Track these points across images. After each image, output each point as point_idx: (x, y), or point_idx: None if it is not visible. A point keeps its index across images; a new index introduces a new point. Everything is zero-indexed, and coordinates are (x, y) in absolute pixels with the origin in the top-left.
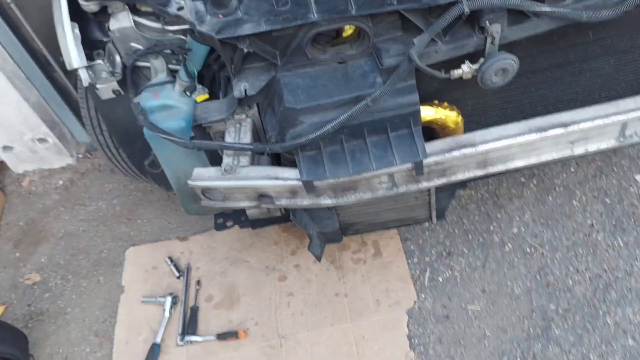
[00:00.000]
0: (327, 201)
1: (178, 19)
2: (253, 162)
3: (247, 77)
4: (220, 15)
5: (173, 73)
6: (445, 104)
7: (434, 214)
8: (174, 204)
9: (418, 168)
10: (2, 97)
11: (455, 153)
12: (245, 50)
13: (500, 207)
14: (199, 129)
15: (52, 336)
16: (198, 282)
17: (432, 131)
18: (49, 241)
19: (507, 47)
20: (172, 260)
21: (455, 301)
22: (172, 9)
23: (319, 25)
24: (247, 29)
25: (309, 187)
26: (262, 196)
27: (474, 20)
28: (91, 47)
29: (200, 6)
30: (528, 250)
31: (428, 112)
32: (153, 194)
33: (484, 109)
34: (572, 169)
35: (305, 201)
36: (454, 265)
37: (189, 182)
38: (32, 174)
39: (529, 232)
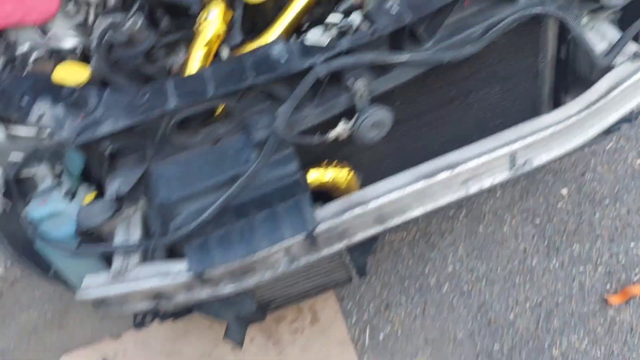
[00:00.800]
0: (227, 289)
1: (40, 127)
2: (146, 258)
3: (121, 172)
4: (81, 116)
5: (59, 176)
6: (335, 162)
7: (354, 272)
8: None
9: (311, 238)
10: None
11: (347, 215)
12: (108, 151)
13: (433, 246)
14: (87, 234)
15: None
16: None
17: (327, 193)
18: None
19: (383, 97)
20: None
21: (398, 358)
22: (33, 119)
23: (179, 112)
24: (106, 127)
25: (201, 279)
26: (158, 296)
27: (338, 79)
28: None
29: (60, 111)
30: (466, 288)
31: (314, 176)
32: None
33: (380, 159)
34: (498, 194)
35: (203, 293)
36: (394, 317)
37: (77, 297)
38: None
39: (465, 267)
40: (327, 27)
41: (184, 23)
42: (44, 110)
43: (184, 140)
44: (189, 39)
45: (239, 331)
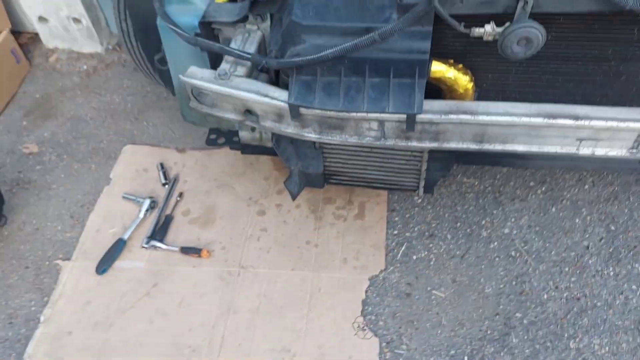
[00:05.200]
0: (311, 135)
1: None
2: (250, 75)
3: None
4: None
5: None
6: (460, 66)
7: (422, 184)
8: None
9: (410, 121)
10: None
11: (453, 117)
12: None
13: (499, 205)
14: (207, 28)
15: (31, 206)
16: (180, 195)
17: (440, 92)
18: (57, 119)
19: (542, 19)
20: (162, 167)
21: (421, 282)
22: None
23: None
24: None
25: (295, 113)
26: (248, 112)
27: None
28: None
29: None
30: (513, 254)
31: (438, 68)
32: (167, 101)
33: (504, 87)
34: (587, 187)
35: (289, 129)
36: (433, 247)
37: (180, 76)
38: (61, 52)
39: (520, 236)
40: None
41: None
42: None
43: None
44: None
45: (297, 184)
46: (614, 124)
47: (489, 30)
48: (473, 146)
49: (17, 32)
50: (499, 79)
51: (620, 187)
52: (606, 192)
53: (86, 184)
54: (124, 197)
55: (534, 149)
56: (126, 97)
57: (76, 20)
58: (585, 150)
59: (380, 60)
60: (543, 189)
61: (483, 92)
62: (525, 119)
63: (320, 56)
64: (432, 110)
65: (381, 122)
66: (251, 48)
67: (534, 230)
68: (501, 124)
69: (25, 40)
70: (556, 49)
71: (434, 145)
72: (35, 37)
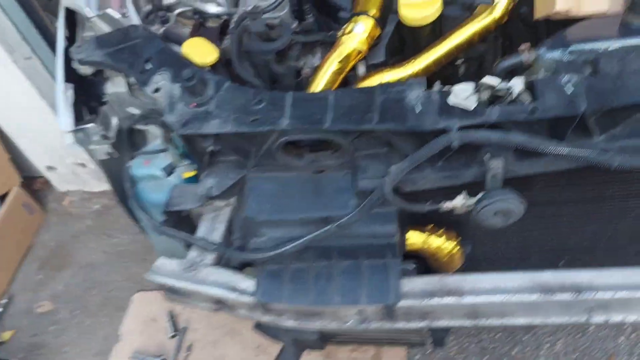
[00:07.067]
0: (289, 322)
1: (153, 101)
2: (221, 260)
3: (217, 171)
4: (192, 105)
5: (170, 141)
6: (441, 231)
7: (429, 341)
8: None
9: (389, 311)
10: (46, 123)
11: (436, 301)
12: (209, 149)
13: (529, 329)
14: (173, 215)
15: None
16: (189, 347)
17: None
18: (71, 268)
19: (521, 179)
20: (172, 317)
21: None
22: (150, 89)
23: (290, 133)
24: (213, 126)
25: (265, 307)
26: (220, 303)
27: (471, 149)
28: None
29: (176, 91)
30: None
31: (414, 240)
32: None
33: (499, 237)
34: None
35: (265, 317)
36: None
37: (146, 276)
38: (73, 194)
39: None
40: (481, 87)
41: (329, 24)
42: (162, 84)
43: (287, 160)
44: (328, 43)
45: (293, 354)
46: (624, 293)
47: (458, 204)
48: (467, 323)
49: (31, 177)
50: (490, 232)
51: None
52: None
53: (97, 342)
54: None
55: (538, 321)
56: (135, 236)
57: (82, 165)
58: (598, 319)
59: (347, 247)
60: None
61: (475, 245)
62: (518, 297)
63: (277, 253)
64: (413, 293)
65: (360, 311)
66: (220, 228)
67: (571, 357)
68: (493, 303)
69: (39, 186)
70: (549, 195)
71: (423, 324)
72: (47, 183)
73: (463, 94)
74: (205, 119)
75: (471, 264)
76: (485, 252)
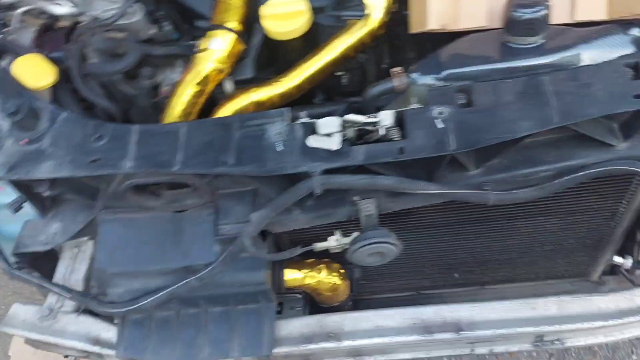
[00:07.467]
0: None
1: None
2: (81, 306)
3: (63, 213)
4: (24, 141)
5: None
6: (322, 265)
7: None
8: None
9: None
10: None
11: (314, 346)
12: (46, 194)
13: None
14: (26, 255)
15: None
16: None
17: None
18: None
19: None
20: None
21: None
22: None
23: (135, 177)
24: (45, 170)
25: None
26: (87, 352)
27: (340, 190)
28: None
29: (4, 125)
30: None
31: (292, 276)
32: None
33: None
34: None
35: None
36: None
37: (0, 327)
38: None
39: None
40: (346, 124)
41: (192, 32)
42: None
43: (141, 201)
44: (189, 56)
45: None
46: (503, 331)
47: (332, 245)
48: None
49: None
50: None
51: None
52: None
53: None
54: None
55: (422, 355)
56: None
57: None
58: (481, 350)
59: (215, 296)
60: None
61: (367, 271)
62: (397, 338)
63: (136, 307)
64: (290, 339)
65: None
66: (82, 267)
67: None
68: (372, 344)
69: None
70: (431, 220)
71: None
72: None
73: (328, 129)
74: (37, 160)
75: (365, 283)
76: (378, 268)
